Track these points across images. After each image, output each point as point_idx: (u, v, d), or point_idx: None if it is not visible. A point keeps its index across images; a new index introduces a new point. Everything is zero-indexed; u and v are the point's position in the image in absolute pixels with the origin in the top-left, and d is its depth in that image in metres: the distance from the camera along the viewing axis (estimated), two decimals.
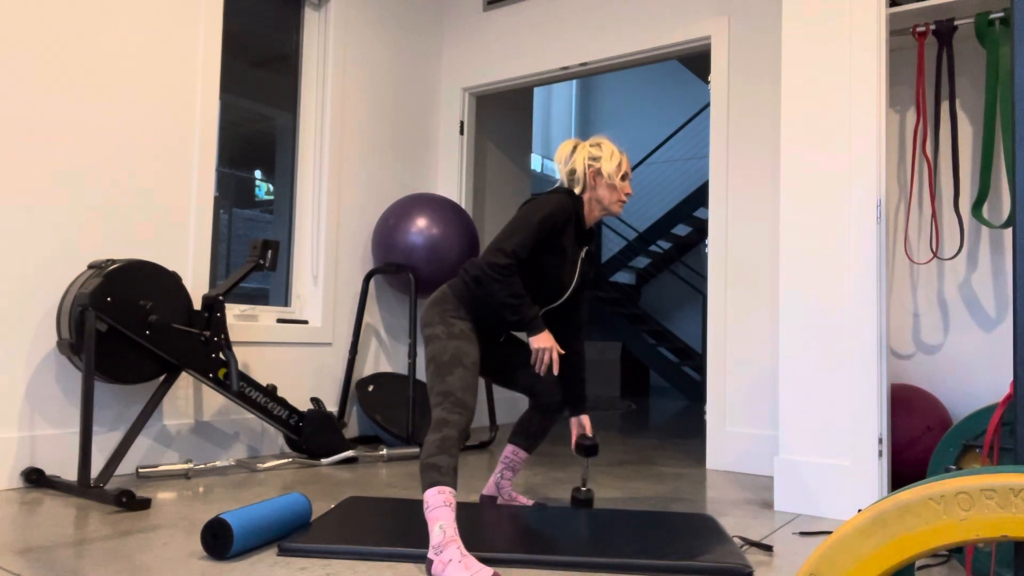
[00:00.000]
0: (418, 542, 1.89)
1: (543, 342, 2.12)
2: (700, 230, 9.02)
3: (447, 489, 1.77)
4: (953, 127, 2.94)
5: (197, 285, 3.11)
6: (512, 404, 4.93)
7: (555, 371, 2.14)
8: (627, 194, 2.33)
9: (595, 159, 2.28)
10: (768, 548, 1.97)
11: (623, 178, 2.30)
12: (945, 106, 3.06)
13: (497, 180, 5.02)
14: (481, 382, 4.66)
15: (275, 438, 3.41)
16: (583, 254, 2.33)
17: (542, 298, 2.26)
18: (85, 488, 2.39)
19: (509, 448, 2.43)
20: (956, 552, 1.92)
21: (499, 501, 2.43)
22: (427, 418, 3.70)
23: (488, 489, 2.46)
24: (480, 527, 2.07)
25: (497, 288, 2.08)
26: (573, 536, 2.00)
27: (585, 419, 2.42)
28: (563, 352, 2.20)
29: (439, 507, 1.74)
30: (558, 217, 2.17)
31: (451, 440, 1.85)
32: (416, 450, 3.38)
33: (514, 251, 2.09)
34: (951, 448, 1.91)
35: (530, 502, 2.43)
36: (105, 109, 2.85)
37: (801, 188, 2.57)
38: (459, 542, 1.70)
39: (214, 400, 3.18)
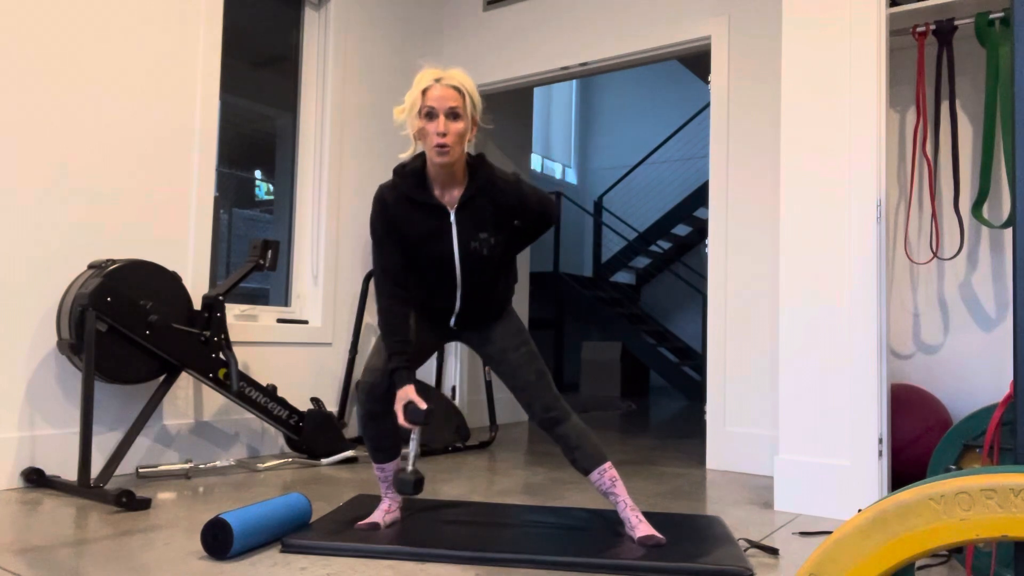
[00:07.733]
0: (419, 542, 1.89)
1: (397, 400, 1.91)
2: (700, 230, 9.02)
3: (375, 464, 2.12)
4: (953, 127, 2.94)
5: (197, 285, 3.11)
6: (512, 403, 4.92)
7: (407, 426, 1.90)
8: (439, 134, 1.74)
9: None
10: (774, 551, 1.96)
11: (427, 116, 1.77)
12: (945, 106, 3.06)
13: None
14: (487, 383, 4.66)
15: (275, 438, 3.41)
16: (453, 218, 1.88)
17: (437, 290, 1.97)
18: (85, 488, 2.39)
19: None
20: (956, 552, 1.92)
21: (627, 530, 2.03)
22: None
23: None
24: (480, 526, 2.07)
25: (383, 332, 1.94)
26: (573, 535, 2.00)
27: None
28: (423, 406, 1.88)
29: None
30: (376, 215, 1.91)
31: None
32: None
33: (380, 284, 1.92)
34: (951, 448, 1.91)
35: (641, 533, 1.94)
36: (105, 109, 2.85)
37: (801, 188, 2.57)
38: (384, 501, 2.12)
39: (214, 400, 3.18)
